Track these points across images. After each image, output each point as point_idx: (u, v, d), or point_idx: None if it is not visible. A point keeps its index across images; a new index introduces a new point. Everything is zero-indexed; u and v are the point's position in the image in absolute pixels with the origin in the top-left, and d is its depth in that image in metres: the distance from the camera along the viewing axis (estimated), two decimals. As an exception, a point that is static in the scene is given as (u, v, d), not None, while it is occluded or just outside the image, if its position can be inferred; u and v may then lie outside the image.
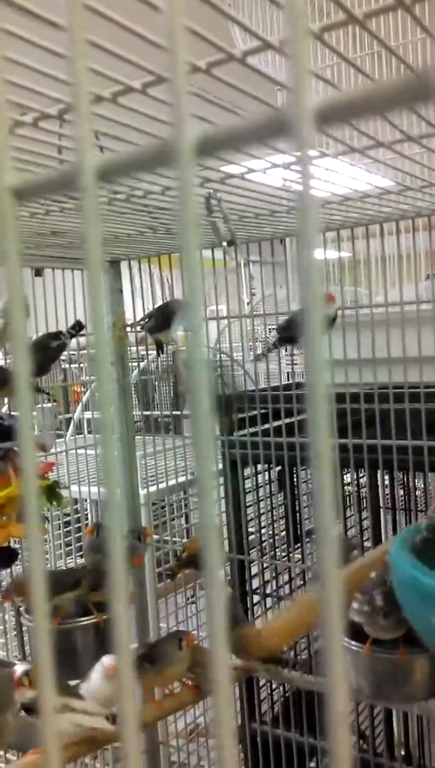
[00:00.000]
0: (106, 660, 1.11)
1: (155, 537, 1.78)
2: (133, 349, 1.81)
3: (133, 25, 0.46)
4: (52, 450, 1.61)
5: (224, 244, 1.28)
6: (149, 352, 1.84)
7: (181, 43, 0.18)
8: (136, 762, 0.25)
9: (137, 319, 1.74)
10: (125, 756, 0.25)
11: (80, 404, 2.22)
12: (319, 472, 0.18)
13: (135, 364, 1.94)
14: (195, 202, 0.20)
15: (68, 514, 1.93)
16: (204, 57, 0.55)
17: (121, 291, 1.67)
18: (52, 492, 1.30)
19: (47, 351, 1.37)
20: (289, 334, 1.37)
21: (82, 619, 1.35)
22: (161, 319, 1.48)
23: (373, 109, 0.17)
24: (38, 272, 1.58)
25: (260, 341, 3.01)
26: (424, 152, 0.95)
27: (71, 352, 1.94)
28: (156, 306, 1.61)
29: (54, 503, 1.31)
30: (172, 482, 1.83)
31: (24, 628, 1.60)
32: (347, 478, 1.89)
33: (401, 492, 1.78)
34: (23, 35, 0.45)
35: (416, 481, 1.87)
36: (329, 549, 0.20)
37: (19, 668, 1.03)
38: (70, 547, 1.96)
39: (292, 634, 1.15)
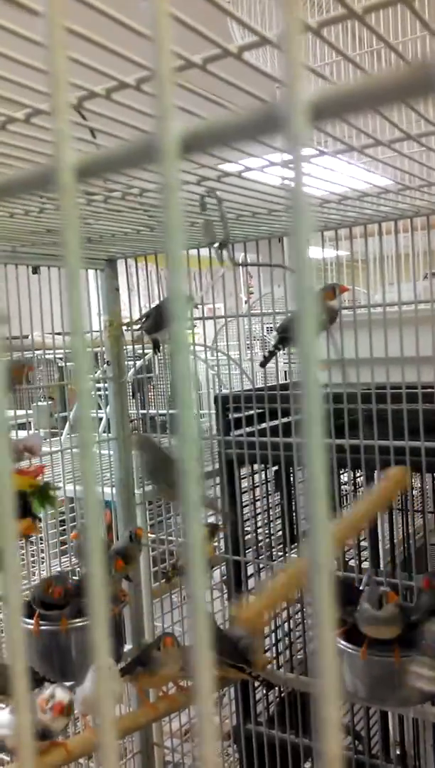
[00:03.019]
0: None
1: (151, 536, 1.77)
2: (129, 347, 1.80)
3: (127, 19, 0.45)
4: (47, 449, 1.60)
5: (216, 245, 1.26)
6: (146, 351, 1.83)
7: (165, 33, 0.17)
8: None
9: (134, 317, 1.73)
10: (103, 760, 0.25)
11: (76, 403, 2.21)
12: (312, 464, 0.17)
13: (131, 362, 1.93)
14: (179, 199, 0.19)
15: (63, 513, 1.92)
16: (200, 52, 0.54)
17: (118, 289, 1.66)
18: (44, 495, 1.29)
19: None
20: (289, 334, 1.36)
21: (76, 621, 1.34)
22: (159, 319, 1.47)
23: (370, 103, 0.16)
24: (35, 270, 1.57)
25: (257, 340, 3.00)
26: (423, 151, 0.94)
27: (68, 350, 1.92)
28: (153, 305, 1.60)
29: (46, 506, 1.29)
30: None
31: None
32: (344, 477, 1.88)
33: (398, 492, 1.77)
34: (12, 28, 0.44)
35: (413, 481, 1.86)
36: (321, 534, 0.19)
37: (60, 694, 1.01)
38: (65, 546, 1.95)
39: (271, 605, 1.13)
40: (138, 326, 1.56)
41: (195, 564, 0.20)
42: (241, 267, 1.43)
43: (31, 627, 1.30)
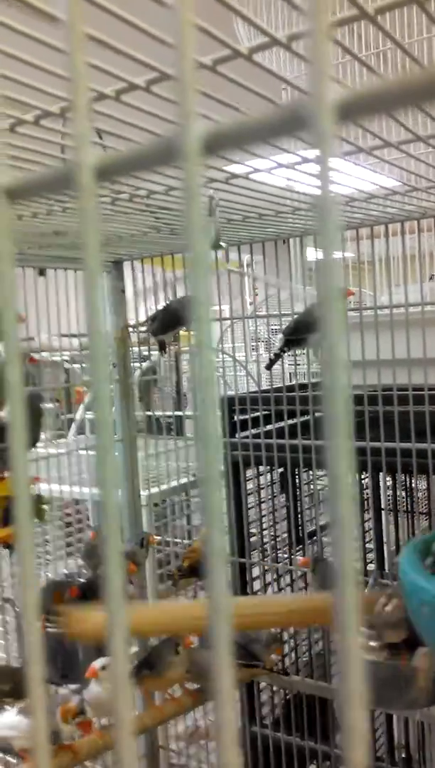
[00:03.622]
0: (95, 663, 1.10)
1: (157, 538, 1.77)
2: (135, 349, 1.80)
3: (137, 21, 0.45)
4: (54, 451, 1.60)
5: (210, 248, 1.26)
6: (152, 352, 1.83)
7: (189, 38, 0.17)
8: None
9: (140, 319, 1.73)
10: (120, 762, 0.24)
11: (82, 405, 2.21)
12: (336, 473, 0.17)
13: (137, 364, 1.93)
14: (200, 201, 0.19)
15: (69, 515, 1.92)
16: (206, 54, 0.54)
17: (124, 291, 1.66)
18: (34, 507, 1.28)
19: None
20: (296, 336, 1.35)
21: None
22: (166, 321, 1.47)
23: (396, 104, 0.16)
24: (41, 272, 1.57)
25: (263, 341, 2.99)
26: (431, 152, 0.94)
27: (74, 352, 1.93)
28: (159, 307, 1.60)
29: (36, 518, 1.29)
30: (173, 483, 1.82)
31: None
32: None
33: (403, 494, 1.77)
34: (23, 30, 0.44)
35: (419, 483, 1.86)
36: (347, 551, 0.19)
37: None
38: (70, 548, 1.95)
39: (260, 623, 1.13)
40: (144, 328, 1.57)
41: (216, 570, 0.20)
42: (245, 269, 1.43)
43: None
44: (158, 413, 1.98)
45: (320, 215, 0.16)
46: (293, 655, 1.65)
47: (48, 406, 2.27)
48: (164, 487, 1.77)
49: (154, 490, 1.73)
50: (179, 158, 0.17)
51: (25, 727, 0.97)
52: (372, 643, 1.12)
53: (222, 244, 1.21)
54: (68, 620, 1.05)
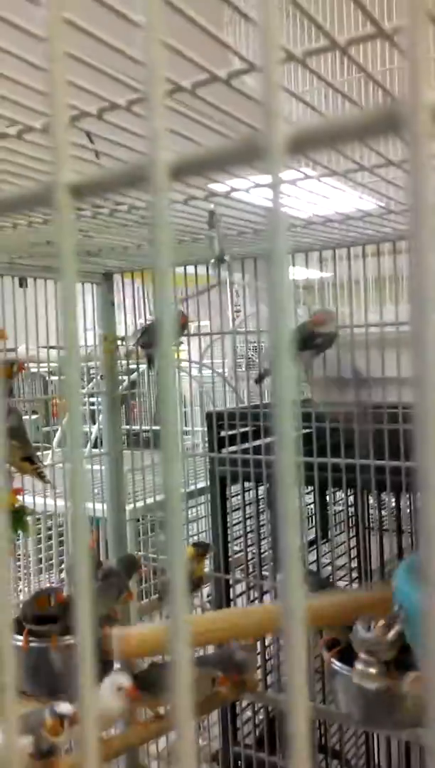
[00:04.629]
0: (121, 679, 1.10)
1: (140, 554, 1.76)
2: (122, 362, 1.80)
3: (119, 43, 0.45)
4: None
5: (212, 260, 1.27)
6: (140, 365, 1.83)
7: (159, 62, 0.18)
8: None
9: (128, 332, 1.73)
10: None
11: (65, 417, 2.20)
12: (284, 489, 0.17)
13: (124, 377, 1.92)
14: (169, 225, 0.19)
15: (50, 529, 1.90)
16: (196, 74, 0.54)
17: (113, 304, 1.66)
18: (18, 519, 1.28)
19: None
20: None
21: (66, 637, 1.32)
22: (156, 335, 1.47)
23: (345, 138, 0.16)
24: (21, 282, 1.56)
25: (245, 358, 2.99)
26: (405, 176, 0.95)
27: (54, 364, 1.92)
28: (148, 321, 1.60)
29: (19, 531, 1.28)
30: (157, 498, 1.81)
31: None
32: (336, 496, 1.88)
33: (384, 512, 1.77)
34: (7, 48, 0.45)
35: (392, 500, 1.86)
36: (294, 573, 0.19)
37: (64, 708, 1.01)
38: (51, 562, 1.93)
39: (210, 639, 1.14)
40: (133, 341, 1.57)
41: (178, 597, 0.20)
42: (229, 285, 1.44)
43: (20, 644, 1.28)
44: (137, 427, 1.97)
45: (271, 240, 0.16)
46: (276, 673, 1.64)
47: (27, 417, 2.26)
48: (149, 500, 1.76)
49: (139, 504, 1.72)
50: (146, 185, 0.18)
51: None
52: (371, 670, 1.11)
53: (226, 258, 1.21)
54: (111, 640, 1.05)
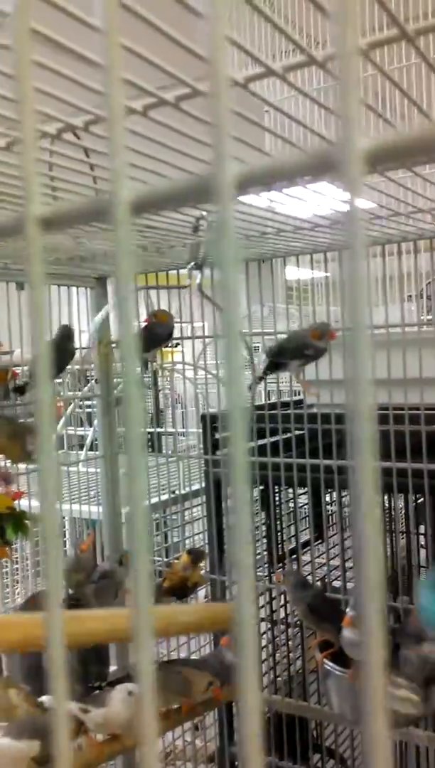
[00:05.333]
0: (134, 688, 1.10)
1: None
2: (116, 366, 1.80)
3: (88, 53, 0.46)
4: (33, 466, 1.59)
5: (191, 264, 1.28)
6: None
7: (117, 93, 0.19)
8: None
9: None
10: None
11: (63, 419, 2.20)
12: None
13: (119, 380, 1.92)
14: (131, 255, 0.21)
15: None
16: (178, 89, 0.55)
17: (107, 307, 1.67)
18: (18, 523, 1.28)
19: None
20: (278, 360, 1.37)
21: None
22: (149, 339, 1.48)
23: (284, 178, 0.17)
24: (20, 286, 1.57)
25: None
26: (409, 177, 0.97)
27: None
28: (141, 325, 1.60)
29: (19, 534, 1.28)
30: (154, 500, 1.81)
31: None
32: (327, 498, 1.89)
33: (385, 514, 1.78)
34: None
35: (396, 502, 1.87)
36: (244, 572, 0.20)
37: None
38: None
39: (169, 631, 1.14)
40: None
41: (140, 596, 0.21)
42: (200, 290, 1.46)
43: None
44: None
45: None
46: (272, 674, 1.65)
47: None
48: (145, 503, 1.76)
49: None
50: (109, 219, 0.19)
51: (9, 749, 0.95)
52: (413, 696, 1.09)
53: (199, 263, 1.22)
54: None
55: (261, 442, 1.55)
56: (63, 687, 0.23)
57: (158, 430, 2.62)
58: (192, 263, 1.25)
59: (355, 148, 0.16)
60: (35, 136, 0.22)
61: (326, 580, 1.64)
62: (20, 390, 1.44)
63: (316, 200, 0.99)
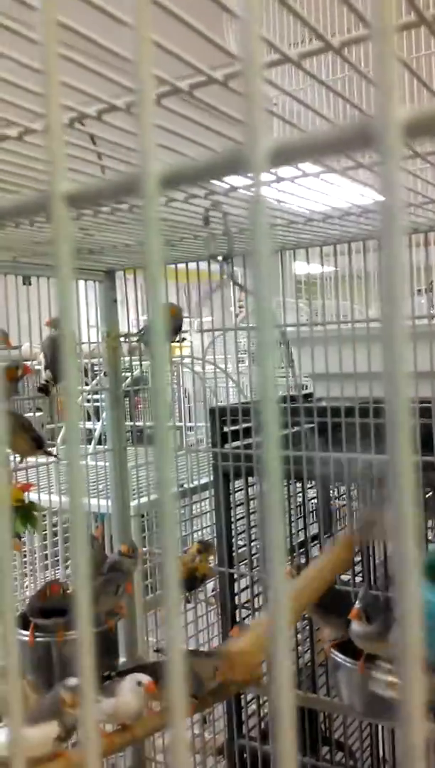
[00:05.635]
0: (143, 678, 1.11)
1: (145, 549, 1.76)
2: (125, 359, 1.80)
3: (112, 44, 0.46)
4: (42, 459, 1.59)
5: (220, 258, 1.28)
6: (143, 362, 1.83)
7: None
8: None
9: (131, 329, 1.73)
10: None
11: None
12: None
13: (127, 374, 1.93)
14: (159, 230, 0.21)
15: (55, 525, 1.91)
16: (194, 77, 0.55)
17: (116, 301, 1.66)
18: (27, 514, 1.28)
19: None
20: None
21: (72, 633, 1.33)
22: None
23: (322, 151, 0.17)
24: (26, 280, 1.56)
25: (248, 354, 3.00)
26: (419, 168, 0.96)
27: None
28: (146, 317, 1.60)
29: (28, 526, 1.29)
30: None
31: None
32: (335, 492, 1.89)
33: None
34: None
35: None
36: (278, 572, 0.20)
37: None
38: (56, 558, 1.93)
39: (263, 651, 1.14)
40: (136, 338, 1.57)
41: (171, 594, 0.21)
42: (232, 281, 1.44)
43: (26, 638, 1.29)
44: (141, 423, 1.97)
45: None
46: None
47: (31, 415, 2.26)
48: (154, 496, 1.77)
49: (144, 500, 1.72)
50: (139, 194, 0.18)
51: (34, 735, 0.97)
52: (392, 679, 1.12)
53: (227, 254, 1.22)
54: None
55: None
56: (90, 667, 0.23)
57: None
58: (219, 257, 1.25)
59: (394, 119, 0.16)
60: (60, 116, 0.22)
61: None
62: (44, 390, 1.44)
63: (329, 191, 0.99)
